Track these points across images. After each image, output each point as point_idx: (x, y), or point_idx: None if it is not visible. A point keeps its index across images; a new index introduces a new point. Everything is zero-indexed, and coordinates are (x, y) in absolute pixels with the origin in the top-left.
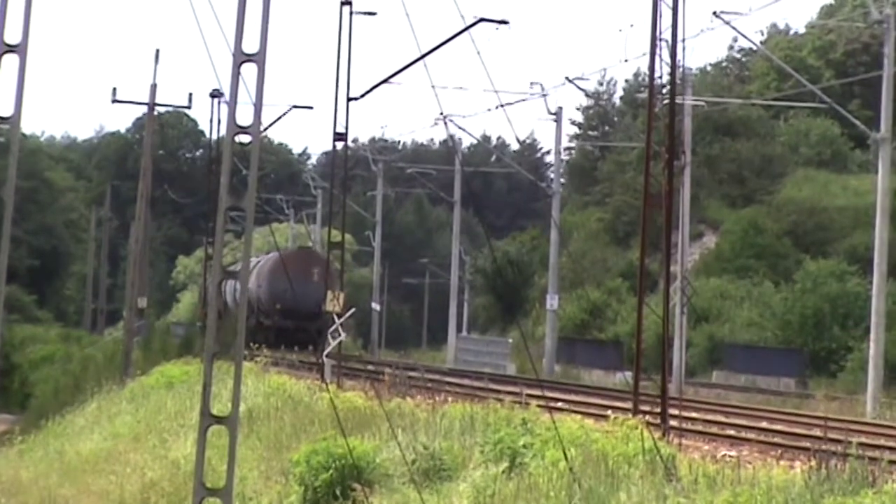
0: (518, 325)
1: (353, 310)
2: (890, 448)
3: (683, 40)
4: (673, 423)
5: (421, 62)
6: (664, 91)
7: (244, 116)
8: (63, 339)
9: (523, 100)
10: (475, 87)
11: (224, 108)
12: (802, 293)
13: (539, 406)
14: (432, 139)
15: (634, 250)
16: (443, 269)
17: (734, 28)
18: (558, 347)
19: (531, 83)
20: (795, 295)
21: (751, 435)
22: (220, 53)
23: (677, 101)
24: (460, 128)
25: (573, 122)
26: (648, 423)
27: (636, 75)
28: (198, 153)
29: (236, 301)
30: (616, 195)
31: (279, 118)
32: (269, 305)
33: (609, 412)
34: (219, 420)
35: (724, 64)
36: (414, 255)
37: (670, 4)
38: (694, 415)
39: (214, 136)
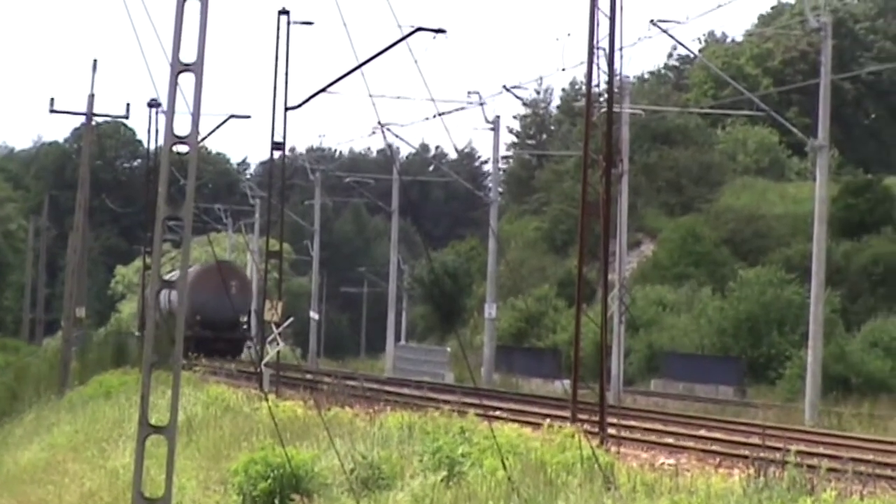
0: (456, 334)
1: (291, 319)
2: (828, 456)
3: (621, 49)
4: (611, 431)
5: (358, 71)
6: (602, 99)
7: (182, 126)
8: (0, 349)
9: (461, 109)
10: (413, 96)
11: (162, 118)
12: (738, 301)
13: (477, 415)
14: (370, 148)
15: (572, 259)
16: (381, 278)
17: (672, 36)
18: (497, 356)
19: (469, 92)
20: (731, 303)
21: (689, 443)
22: (158, 63)
23: (615, 109)
24: (398, 137)
25: (511, 131)
26: (587, 432)
27: (573, 84)
28: (136, 163)
29: (171, 311)
30: (554, 204)
31: (217, 128)
32: (189, 317)
33: (547, 420)
34: (157, 430)
35: (661, 72)
36: (352, 264)
37: (607, 13)
38: (632, 423)
39: (152, 146)
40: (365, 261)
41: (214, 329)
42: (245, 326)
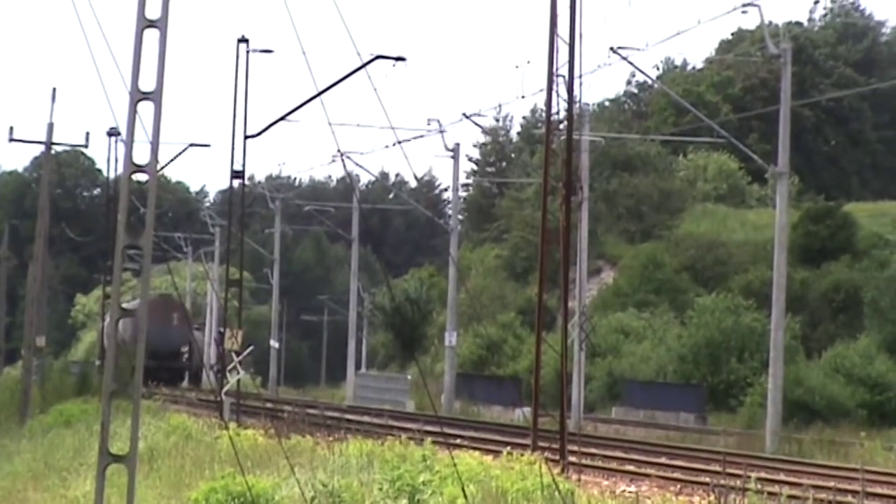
0: (416, 362)
1: (251, 347)
2: (789, 483)
3: (580, 76)
4: (572, 458)
5: (318, 99)
6: (561, 126)
7: (141, 154)
8: None
9: (421, 136)
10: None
11: (121, 147)
12: (697, 328)
13: (437, 442)
14: (330, 176)
15: (532, 286)
16: (341, 306)
17: (631, 63)
18: (457, 384)
19: (428, 120)
20: (690, 330)
21: (650, 470)
22: (117, 91)
23: (574, 136)
24: (358, 165)
25: (470, 159)
26: (548, 459)
27: (533, 111)
28: (95, 192)
29: (125, 340)
30: (514, 231)
31: (176, 156)
32: (134, 346)
33: (508, 448)
34: (118, 458)
35: (621, 99)
36: (312, 293)
37: (566, 40)
38: (593, 450)
39: (112, 175)
40: (325, 289)
41: (157, 358)
42: (186, 356)
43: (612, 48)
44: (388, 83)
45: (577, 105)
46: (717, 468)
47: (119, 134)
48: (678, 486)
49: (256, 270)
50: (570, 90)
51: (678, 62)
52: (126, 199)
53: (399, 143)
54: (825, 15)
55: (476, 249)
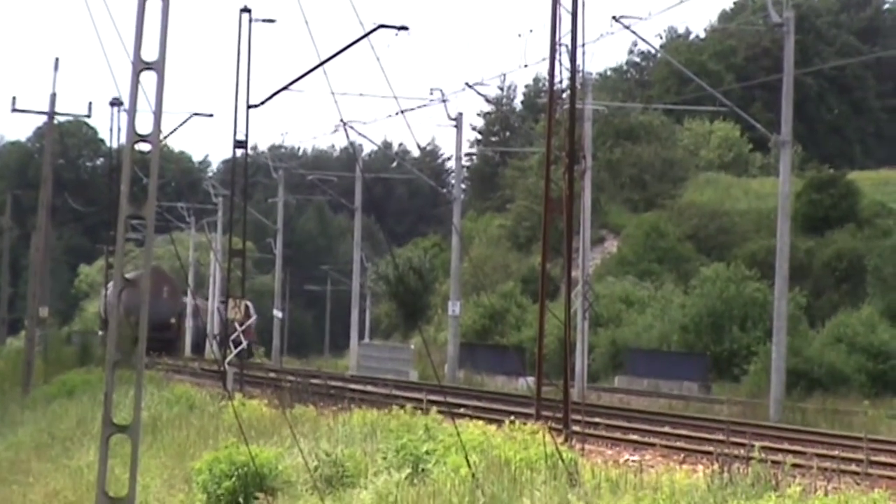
0: (420, 332)
1: (254, 318)
2: (793, 452)
3: (583, 45)
4: (575, 428)
5: (321, 69)
6: (564, 96)
7: (144, 125)
8: None
9: (424, 106)
10: (375, 94)
11: (124, 117)
12: (701, 297)
13: (441, 412)
14: (333, 146)
15: (536, 256)
16: (344, 276)
17: (634, 32)
18: (461, 353)
19: (431, 89)
20: (693, 299)
21: (654, 439)
22: (120, 62)
23: (577, 105)
24: (361, 134)
25: (474, 128)
26: (551, 429)
27: (536, 80)
28: (98, 162)
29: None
30: (517, 200)
31: (179, 126)
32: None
33: (511, 417)
34: (121, 429)
35: (624, 68)
36: (315, 262)
37: (569, 9)
38: (597, 420)
39: (114, 145)
40: (328, 259)
41: (148, 329)
42: (175, 326)
43: (614, 17)
44: (391, 52)
45: (580, 74)
46: (721, 437)
47: (122, 104)
48: (682, 455)
49: (259, 240)
50: (572, 59)
51: (681, 31)
52: (129, 170)
53: (402, 112)
54: None
55: (479, 219)
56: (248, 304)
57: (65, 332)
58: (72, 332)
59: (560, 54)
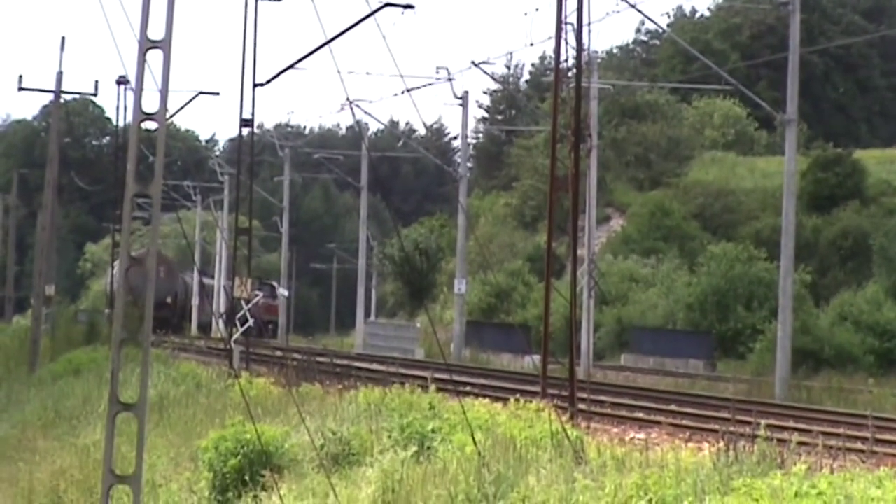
0: (426, 310)
1: (260, 295)
2: (798, 430)
3: (589, 24)
4: (581, 406)
5: (327, 47)
6: (570, 75)
7: (150, 103)
8: None
9: (430, 84)
10: (381, 72)
11: (130, 95)
12: (706, 276)
13: (446, 390)
14: (339, 124)
15: (541, 234)
16: (350, 255)
17: (640, 11)
18: (466, 332)
19: (437, 68)
20: (699, 278)
21: (660, 417)
22: (126, 40)
23: (583, 84)
24: (367, 113)
25: (480, 106)
26: (557, 407)
27: (542, 59)
28: (104, 140)
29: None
30: (523, 179)
31: (185, 105)
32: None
33: (517, 396)
34: (127, 407)
35: (630, 47)
36: (321, 241)
37: None
38: (602, 398)
39: (121, 123)
40: (334, 237)
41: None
42: (171, 305)
43: None
44: (397, 31)
45: (586, 53)
46: (727, 415)
47: (128, 82)
48: (688, 434)
49: (265, 219)
50: (578, 38)
51: (687, 10)
52: (135, 148)
53: (408, 91)
54: None
55: (485, 197)
56: (274, 284)
57: (71, 311)
58: (78, 310)
59: (566, 33)
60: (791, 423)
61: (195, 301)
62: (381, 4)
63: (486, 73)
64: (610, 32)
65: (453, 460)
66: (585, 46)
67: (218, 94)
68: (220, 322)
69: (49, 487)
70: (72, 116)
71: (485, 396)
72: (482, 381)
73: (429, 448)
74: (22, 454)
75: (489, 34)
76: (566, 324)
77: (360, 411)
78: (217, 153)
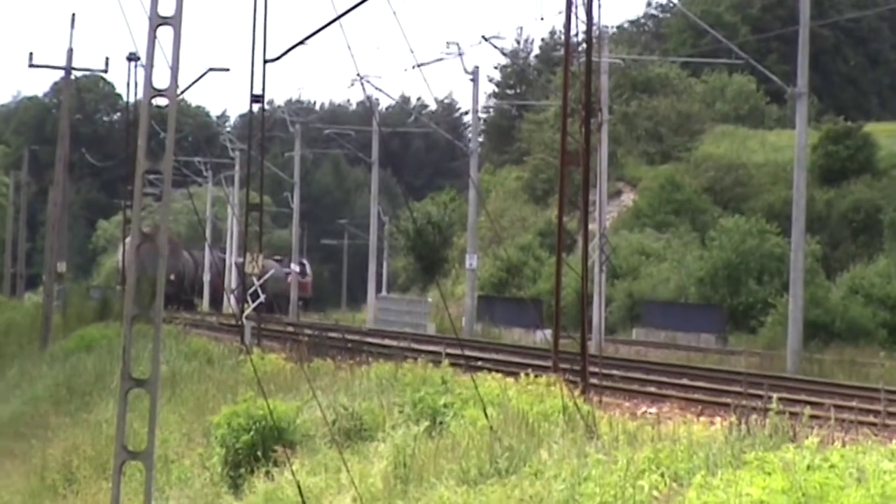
0: (437, 285)
1: (271, 271)
2: (810, 403)
3: None
4: (593, 380)
5: (337, 23)
6: (580, 49)
7: (161, 79)
8: None
9: (440, 60)
10: (392, 48)
11: (141, 72)
12: (718, 250)
13: (458, 365)
14: (349, 100)
15: (553, 208)
16: (362, 230)
17: None
18: (478, 306)
19: (448, 43)
20: (710, 252)
21: (671, 391)
22: (136, 16)
23: (594, 58)
24: (377, 88)
25: (490, 81)
26: (568, 381)
27: (552, 33)
28: (115, 117)
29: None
30: (534, 153)
31: (196, 81)
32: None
33: (528, 370)
34: (139, 383)
35: (641, 21)
36: (332, 216)
37: None
38: (614, 372)
39: (132, 100)
40: (345, 212)
41: (148, 285)
42: (175, 282)
43: None
44: (407, 6)
45: (597, 27)
46: (739, 389)
47: (138, 59)
48: (699, 407)
49: (276, 194)
50: (589, 12)
51: None
52: (146, 124)
53: (418, 66)
54: None
55: (496, 172)
56: (305, 262)
57: (83, 287)
58: (90, 286)
59: (576, 7)
60: (803, 397)
61: (206, 277)
62: None
63: (496, 47)
64: (620, 6)
65: (465, 435)
66: (596, 20)
67: (228, 70)
68: (232, 298)
69: (62, 464)
70: (82, 93)
71: (497, 371)
72: (494, 355)
73: (441, 423)
74: (34, 431)
75: (499, 9)
76: (578, 298)
77: (372, 386)
78: (228, 129)
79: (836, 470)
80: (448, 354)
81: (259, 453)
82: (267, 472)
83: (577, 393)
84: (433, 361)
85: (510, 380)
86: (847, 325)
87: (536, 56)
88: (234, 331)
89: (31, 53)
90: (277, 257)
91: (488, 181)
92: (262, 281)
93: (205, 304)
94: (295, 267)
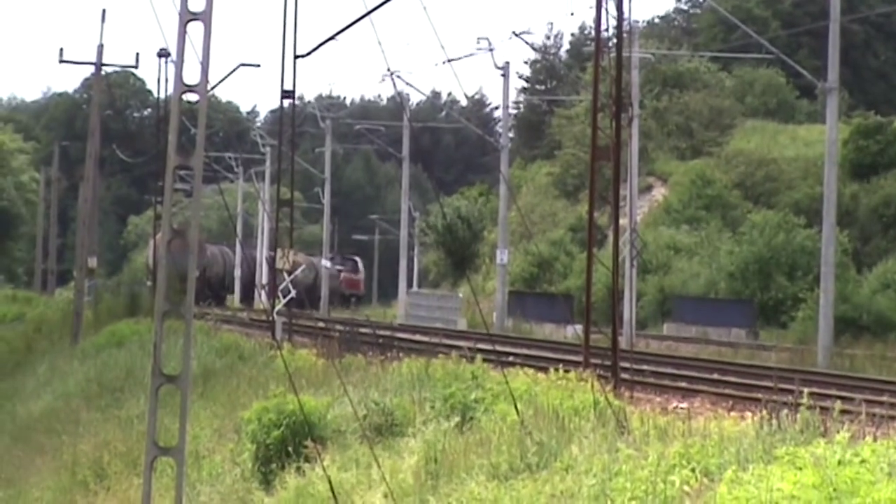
0: (468, 280)
1: (302, 267)
2: (841, 398)
3: None
4: (624, 375)
5: (368, 18)
6: (611, 44)
7: (191, 75)
8: (13, 301)
9: (471, 55)
10: (422, 43)
11: (171, 67)
12: (747, 245)
13: (489, 360)
14: (380, 95)
15: (583, 203)
16: (392, 225)
17: None
18: (509, 301)
19: (478, 38)
20: (741, 246)
21: (702, 386)
22: (167, 12)
23: (624, 53)
24: (408, 84)
25: (521, 77)
26: (599, 376)
27: (582, 28)
28: (146, 112)
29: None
30: (565, 148)
31: (226, 76)
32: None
33: (559, 366)
34: (170, 379)
35: (671, 16)
36: (363, 212)
37: None
38: (645, 367)
39: (162, 96)
40: (376, 208)
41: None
42: (198, 279)
43: None
44: (438, 1)
45: (627, 22)
46: (770, 384)
47: (169, 55)
48: (730, 402)
49: (307, 190)
50: (619, 7)
51: None
52: (177, 120)
53: (449, 61)
54: None
55: (527, 167)
56: (357, 259)
57: (114, 283)
58: (121, 282)
59: (607, 2)
60: (834, 392)
61: (237, 272)
62: None
63: (526, 42)
64: (650, 1)
65: (496, 430)
66: (626, 15)
67: (259, 65)
68: (262, 294)
69: (93, 459)
70: (113, 89)
71: (527, 366)
72: (525, 351)
73: (471, 418)
74: (66, 426)
75: (530, 4)
76: (608, 293)
77: (403, 382)
78: (258, 125)
79: (867, 465)
80: (479, 349)
81: (290, 449)
82: (298, 468)
83: (607, 388)
84: (465, 357)
85: (541, 375)
86: (878, 319)
87: (567, 51)
88: (266, 327)
89: (61, 49)
90: (330, 255)
91: (519, 176)
92: (292, 276)
93: (236, 299)
94: (326, 263)
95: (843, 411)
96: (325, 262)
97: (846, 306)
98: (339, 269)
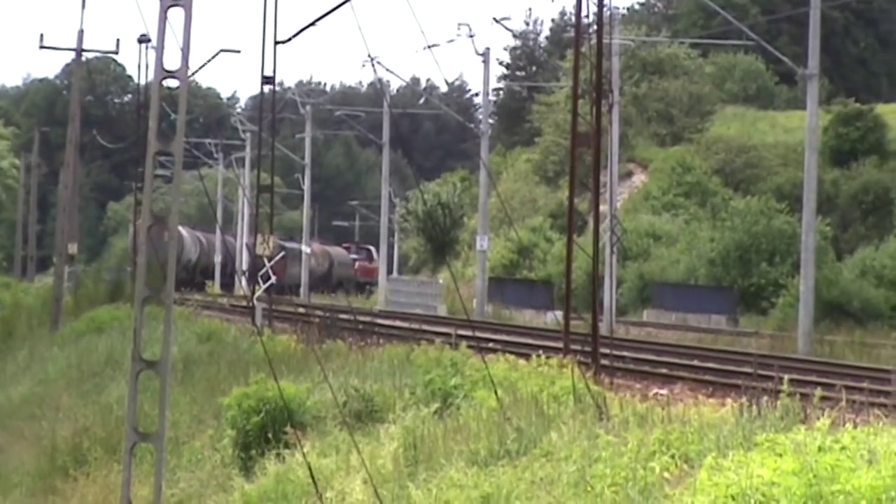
0: (448, 266)
1: (282, 253)
2: (821, 384)
3: None
4: (604, 362)
5: (348, 4)
6: (591, 30)
7: (172, 61)
8: None
9: (451, 41)
10: (403, 29)
11: (152, 53)
12: (727, 231)
13: (469, 346)
14: (360, 81)
15: (564, 190)
16: (372, 211)
17: None
18: (489, 288)
19: (459, 24)
20: (721, 233)
21: (682, 373)
22: None
23: (604, 40)
24: (388, 70)
25: (501, 63)
26: (579, 363)
27: (562, 15)
28: (126, 98)
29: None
30: (545, 135)
31: (207, 62)
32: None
33: (540, 352)
34: (150, 365)
35: (651, 2)
36: (343, 198)
37: None
38: (625, 353)
39: (142, 81)
40: (356, 194)
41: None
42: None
43: None
44: None
45: (607, 8)
46: (750, 370)
47: (149, 40)
48: (710, 389)
49: (287, 176)
50: None
51: None
52: (157, 106)
53: (429, 47)
54: None
55: (507, 153)
56: (371, 248)
57: (94, 269)
58: (101, 267)
59: None
60: (814, 378)
61: (217, 259)
62: None
63: (507, 28)
64: None
65: (475, 417)
66: (606, 1)
67: (239, 51)
68: (243, 280)
69: (72, 445)
70: (93, 75)
71: (508, 353)
72: (505, 337)
73: (451, 405)
74: (45, 412)
75: None
76: (588, 280)
77: (384, 368)
78: (238, 111)
79: (847, 451)
80: (459, 336)
81: (269, 435)
82: (277, 454)
83: (588, 374)
84: (445, 343)
85: (521, 361)
86: (858, 306)
87: (546, 38)
88: (246, 313)
89: (41, 35)
90: (346, 244)
91: (499, 163)
92: (272, 262)
93: (216, 286)
94: (306, 249)
95: (823, 398)
96: (306, 248)
97: (836, 291)
98: (355, 258)
